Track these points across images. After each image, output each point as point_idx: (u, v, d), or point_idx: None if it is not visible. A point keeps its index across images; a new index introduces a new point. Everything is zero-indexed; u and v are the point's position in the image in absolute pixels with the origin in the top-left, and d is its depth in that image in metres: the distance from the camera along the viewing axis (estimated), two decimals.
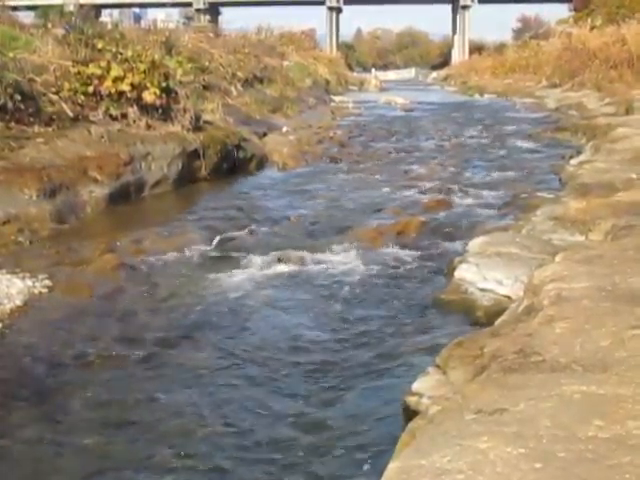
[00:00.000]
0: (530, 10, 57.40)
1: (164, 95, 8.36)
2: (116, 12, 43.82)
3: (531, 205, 6.32)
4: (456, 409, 2.11)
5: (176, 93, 8.77)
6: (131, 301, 4.38)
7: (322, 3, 55.56)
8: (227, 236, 5.73)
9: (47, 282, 4.47)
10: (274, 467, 2.66)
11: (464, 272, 4.28)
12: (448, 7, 58.44)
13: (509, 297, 3.92)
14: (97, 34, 9.02)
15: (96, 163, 6.87)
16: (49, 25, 11.14)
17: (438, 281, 4.66)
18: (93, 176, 6.72)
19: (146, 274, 4.86)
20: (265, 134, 11.49)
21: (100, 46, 8.51)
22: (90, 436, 2.84)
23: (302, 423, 2.95)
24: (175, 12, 53.38)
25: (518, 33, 52.50)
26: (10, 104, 6.90)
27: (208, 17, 49.90)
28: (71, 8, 17.83)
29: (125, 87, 8.01)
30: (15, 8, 17.23)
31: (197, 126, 8.67)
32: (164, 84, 8.37)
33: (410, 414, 2.61)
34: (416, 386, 2.79)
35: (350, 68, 46.72)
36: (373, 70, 54.45)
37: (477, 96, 27.27)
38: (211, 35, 20.23)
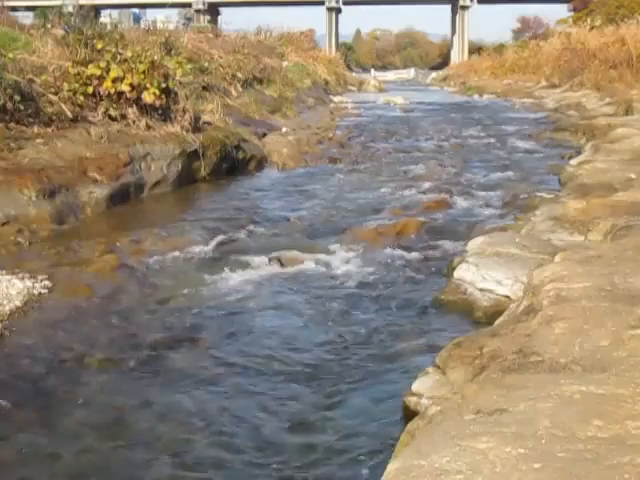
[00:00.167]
0: (529, 10, 57.50)
1: (164, 96, 8.35)
2: (115, 12, 43.89)
3: (530, 205, 6.33)
4: (455, 409, 2.12)
5: (176, 94, 8.77)
6: (130, 302, 4.37)
7: (321, 3, 55.67)
8: (227, 237, 5.73)
9: (47, 283, 4.47)
10: (274, 467, 2.66)
11: (463, 272, 4.28)
12: (447, 7, 58.59)
13: (508, 297, 3.92)
14: (96, 35, 8.99)
15: (96, 164, 6.86)
16: (48, 26, 11.14)
17: (437, 281, 4.66)
18: (93, 177, 6.72)
19: (145, 275, 4.85)
20: (264, 134, 11.48)
21: (99, 47, 8.49)
22: (87, 439, 2.84)
23: (302, 423, 2.95)
24: (174, 13, 53.48)
25: (517, 33, 52.56)
26: (9, 105, 6.90)
27: (207, 18, 50.03)
28: (70, 9, 17.80)
29: (124, 88, 8.00)
30: (14, 9, 17.25)
31: (196, 127, 8.67)
32: (164, 85, 8.36)
33: (410, 414, 2.62)
34: (415, 386, 2.80)
35: (349, 69, 46.74)
36: (372, 70, 54.58)
37: (476, 96, 27.30)
38: (210, 36, 20.24)
